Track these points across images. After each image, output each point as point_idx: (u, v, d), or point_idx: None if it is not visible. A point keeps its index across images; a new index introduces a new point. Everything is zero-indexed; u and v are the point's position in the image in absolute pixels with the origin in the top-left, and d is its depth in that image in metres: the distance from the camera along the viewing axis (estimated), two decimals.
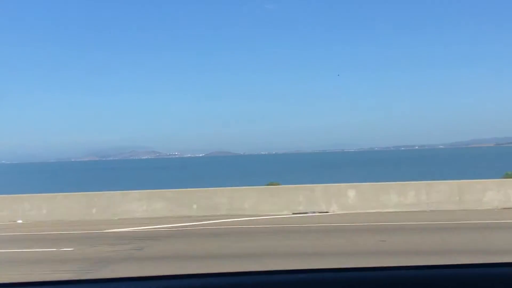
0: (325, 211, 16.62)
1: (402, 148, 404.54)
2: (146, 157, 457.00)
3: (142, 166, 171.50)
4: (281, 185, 20.61)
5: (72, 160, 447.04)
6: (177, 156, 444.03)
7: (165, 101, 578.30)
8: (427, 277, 2.00)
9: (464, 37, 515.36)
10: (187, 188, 19.12)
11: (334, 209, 16.68)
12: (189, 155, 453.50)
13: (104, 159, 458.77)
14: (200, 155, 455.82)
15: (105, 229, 14.29)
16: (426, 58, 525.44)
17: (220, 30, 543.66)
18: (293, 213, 16.48)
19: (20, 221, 16.93)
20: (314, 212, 16.46)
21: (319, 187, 17.50)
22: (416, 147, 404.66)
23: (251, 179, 46.74)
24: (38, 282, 2.03)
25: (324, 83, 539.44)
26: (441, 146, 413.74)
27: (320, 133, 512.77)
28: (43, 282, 2.03)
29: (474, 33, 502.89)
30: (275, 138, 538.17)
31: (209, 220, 15.39)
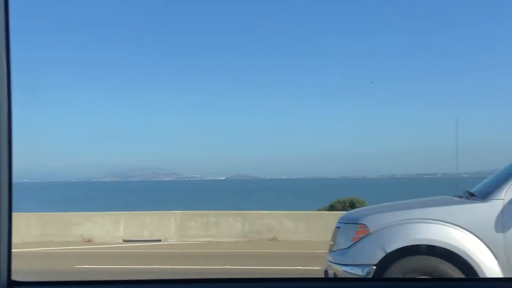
0: None
1: (425, 176, 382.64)
2: (167, 178, 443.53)
3: (178, 188, 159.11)
4: None
5: (94, 180, 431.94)
6: (197, 178, 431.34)
7: (185, 123, 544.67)
8: None
9: (481, 67, 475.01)
10: None
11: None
12: (210, 178, 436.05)
13: (125, 180, 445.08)
14: (221, 178, 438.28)
15: None
16: (447, 85, 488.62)
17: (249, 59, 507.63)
18: None
19: None
20: None
21: None
22: (439, 176, 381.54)
23: None
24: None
25: (347, 107, 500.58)
26: (465, 175, 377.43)
27: (341, 159, 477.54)
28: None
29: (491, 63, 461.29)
30: (296, 163, 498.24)
31: None
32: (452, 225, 5.25)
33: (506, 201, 5.28)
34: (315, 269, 9.22)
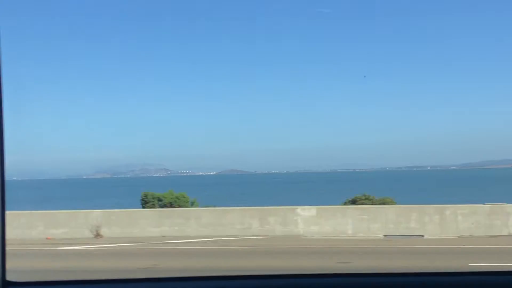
0: None
1: (415, 169, 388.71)
2: (157, 174, 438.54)
3: (177, 183, 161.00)
4: None
5: (84, 177, 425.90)
6: (188, 174, 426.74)
7: (174, 118, 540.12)
8: (429, 284, 2.02)
9: (466, 56, 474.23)
10: None
11: None
12: (200, 173, 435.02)
13: (116, 176, 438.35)
14: (212, 173, 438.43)
15: None
16: (435, 76, 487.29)
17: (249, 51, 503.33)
18: None
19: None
20: None
21: None
22: (429, 168, 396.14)
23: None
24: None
25: (337, 102, 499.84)
26: (453, 167, 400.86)
27: (331, 153, 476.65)
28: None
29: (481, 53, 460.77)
30: (287, 157, 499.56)
31: None
32: None
33: None
34: None
